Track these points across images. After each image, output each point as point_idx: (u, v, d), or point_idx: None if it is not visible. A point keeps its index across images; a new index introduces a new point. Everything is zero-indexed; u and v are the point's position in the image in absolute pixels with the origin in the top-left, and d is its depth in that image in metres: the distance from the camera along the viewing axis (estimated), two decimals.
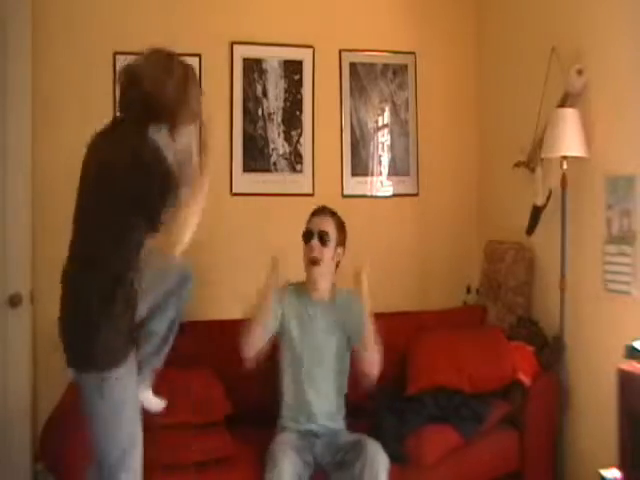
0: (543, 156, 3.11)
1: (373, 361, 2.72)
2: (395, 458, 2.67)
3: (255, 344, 2.69)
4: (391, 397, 3.07)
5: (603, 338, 2.86)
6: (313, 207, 2.99)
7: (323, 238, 2.80)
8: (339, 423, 2.84)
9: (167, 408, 2.47)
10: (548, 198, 3.19)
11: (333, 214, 2.90)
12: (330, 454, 2.68)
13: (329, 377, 2.83)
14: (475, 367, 3.11)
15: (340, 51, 3.82)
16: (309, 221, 2.89)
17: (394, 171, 3.92)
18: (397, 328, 3.44)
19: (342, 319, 2.85)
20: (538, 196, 3.22)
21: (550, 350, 3.14)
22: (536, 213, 3.25)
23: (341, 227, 2.89)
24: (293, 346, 2.82)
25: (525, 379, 3.03)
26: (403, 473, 2.72)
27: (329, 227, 2.83)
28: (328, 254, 2.82)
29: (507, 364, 3.09)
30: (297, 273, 2.89)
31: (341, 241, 2.87)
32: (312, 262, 2.81)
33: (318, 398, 2.79)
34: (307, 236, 2.83)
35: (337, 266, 2.90)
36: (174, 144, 2.24)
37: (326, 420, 2.79)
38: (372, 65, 3.88)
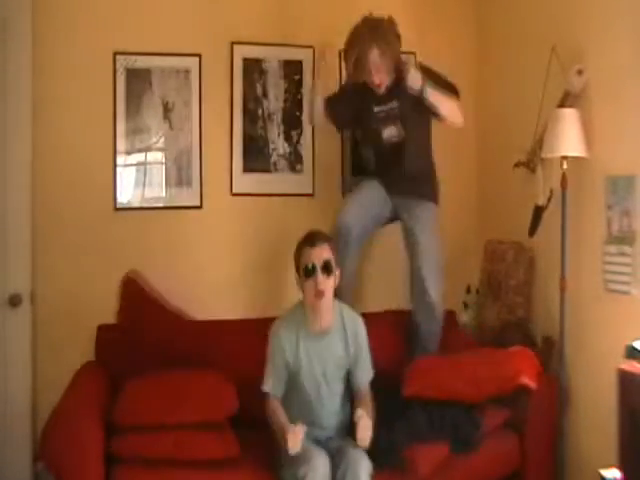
0: (543, 156, 3.10)
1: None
2: (391, 465, 2.66)
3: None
4: (385, 406, 2.88)
5: (603, 338, 2.86)
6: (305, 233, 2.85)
7: (327, 268, 2.68)
8: (341, 436, 2.82)
9: (175, 407, 2.62)
10: (549, 198, 3.19)
11: (327, 238, 2.78)
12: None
13: (334, 401, 2.81)
14: (478, 372, 2.97)
15: (340, 51, 3.81)
16: (306, 253, 2.70)
17: None
18: (396, 328, 3.45)
19: (345, 348, 2.80)
20: (540, 196, 3.22)
21: (540, 351, 3.13)
22: (538, 213, 3.25)
23: (335, 249, 2.78)
24: (298, 379, 2.77)
25: (530, 383, 2.92)
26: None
27: (329, 254, 2.71)
28: (332, 284, 2.71)
29: (509, 369, 2.96)
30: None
31: (337, 264, 2.76)
32: (319, 296, 2.67)
33: (321, 421, 2.79)
34: (310, 270, 2.67)
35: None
36: None
37: (331, 436, 2.79)
38: None
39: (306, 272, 2.69)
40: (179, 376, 2.89)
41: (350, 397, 2.89)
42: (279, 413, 2.69)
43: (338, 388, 2.84)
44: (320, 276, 2.66)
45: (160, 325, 3.28)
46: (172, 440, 2.59)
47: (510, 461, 2.98)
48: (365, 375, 2.85)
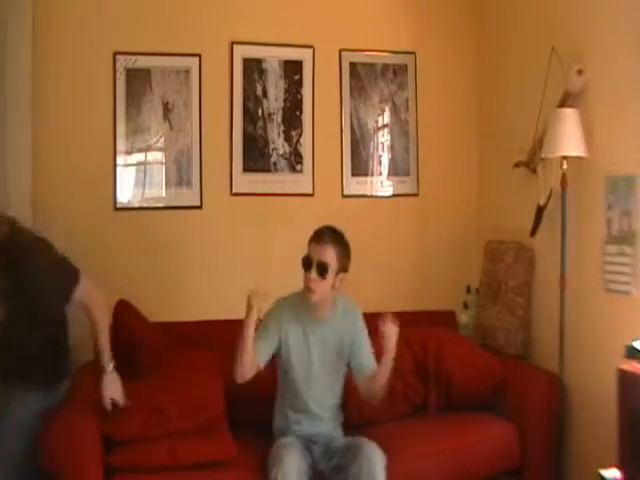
0: (543, 156, 3.10)
1: (376, 396, 2.69)
2: None
3: (245, 373, 2.59)
4: None
5: (603, 338, 2.86)
6: (315, 220, 2.82)
7: (321, 270, 2.61)
8: (335, 430, 2.84)
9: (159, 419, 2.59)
10: (549, 198, 3.19)
11: (336, 240, 2.67)
12: (326, 459, 2.69)
13: (326, 390, 2.81)
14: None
15: (340, 51, 3.82)
16: (310, 246, 2.67)
17: (394, 171, 3.92)
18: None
19: (342, 337, 2.79)
20: (542, 196, 3.22)
21: None
22: (540, 213, 3.25)
23: (344, 253, 2.68)
24: (291, 362, 2.76)
25: None
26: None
27: (330, 257, 2.63)
28: (326, 285, 2.64)
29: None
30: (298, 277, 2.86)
31: (343, 267, 2.68)
32: (308, 291, 2.66)
33: (315, 409, 2.78)
34: (305, 264, 2.65)
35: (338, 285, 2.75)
36: None
37: (323, 428, 2.79)
38: (372, 65, 3.88)
39: (303, 263, 2.67)
40: (161, 384, 2.81)
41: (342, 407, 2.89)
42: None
43: (330, 380, 2.81)
44: (313, 273, 2.63)
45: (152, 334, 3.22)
46: (166, 449, 2.56)
47: (511, 459, 2.98)
48: (370, 361, 2.76)
